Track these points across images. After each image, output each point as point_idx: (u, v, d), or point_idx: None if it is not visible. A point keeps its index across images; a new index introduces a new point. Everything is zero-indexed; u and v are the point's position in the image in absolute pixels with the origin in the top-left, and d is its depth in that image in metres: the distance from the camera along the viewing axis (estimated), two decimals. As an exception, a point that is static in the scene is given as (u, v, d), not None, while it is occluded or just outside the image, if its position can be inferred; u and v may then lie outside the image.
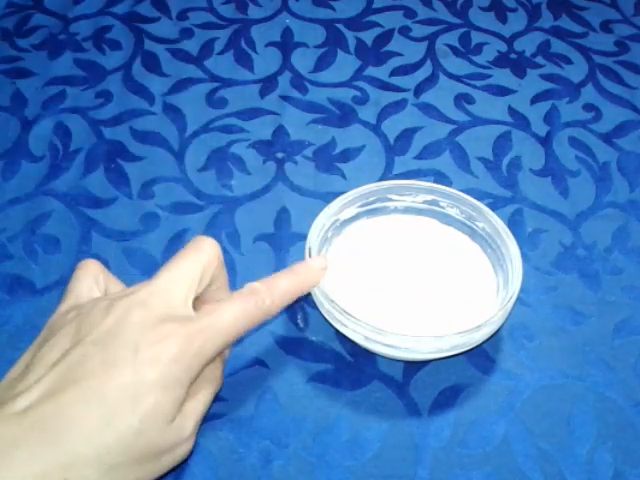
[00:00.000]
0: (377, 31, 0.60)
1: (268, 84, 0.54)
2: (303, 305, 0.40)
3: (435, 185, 0.41)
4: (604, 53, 0.59)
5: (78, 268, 0.32)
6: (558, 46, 0.59)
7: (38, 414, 0.24)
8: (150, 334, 0.26)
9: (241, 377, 0.37)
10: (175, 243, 0.43)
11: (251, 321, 0.30)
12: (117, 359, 0.26)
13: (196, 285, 0.30)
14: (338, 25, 0.60)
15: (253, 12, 0.61)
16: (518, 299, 0.36)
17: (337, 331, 0.37)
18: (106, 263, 0.41)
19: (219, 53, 0.57)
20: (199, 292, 0.31)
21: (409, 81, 0.55)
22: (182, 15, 0.60)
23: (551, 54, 0.58)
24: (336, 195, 0.40)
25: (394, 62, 0.57)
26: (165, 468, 0.28)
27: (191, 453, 0.29)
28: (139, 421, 0.25)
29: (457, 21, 0.61)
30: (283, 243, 0.43)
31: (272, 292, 0.31)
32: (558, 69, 0.57)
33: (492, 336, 0.36)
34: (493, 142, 0.50)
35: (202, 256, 0.30)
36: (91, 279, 0.31)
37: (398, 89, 0.54)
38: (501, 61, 0.58)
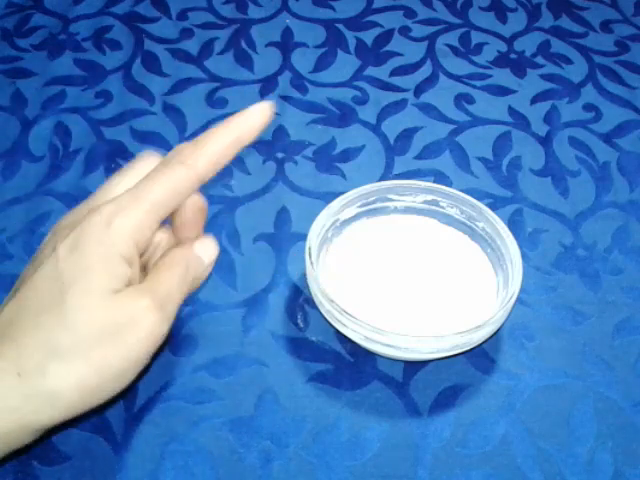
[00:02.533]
0: (377, 31, 0.60)
1: (268, 84, 0.54)
2: (303, 305, 0.40)
3: (435, 185, 0.41)
4: (604, 53, 0.59)
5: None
6: (558, 46, 0.59)
7: (3, 318, 0.26)
8: (68, 227, 0.28)
9: (241, 377, 0.37)
10: (175, 243, 0.43)
11: (179, 189, 0.28)
12: (42, 260, 0.27)
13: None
14: (338, 25, 0.60)
15: (253, 12, 0.61)
16: (518, 299, 0.36)
17: (337, 331, 0.37)
18: (106, 263, 0.41)
19: (219, 53, 0.57)
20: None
21: (409, 81, 0.55)
22: (182, 15, 0.60)
23: (551, 54, 0.58)
24: (336, 195, 0.40)
25: (394, 62, 0.57)
26: (135, 348, 0.26)
27: (169, 338, 0.28)
28: (70, 298, 0.25)
29: (457, 21, 0.61)
30: (283, 243, 0.43)
31: (199, 147, 0.29)
32: (558, 69, 0.57)
33: (492, 336, 0.36)
34: (493, 142, 0.50)
35: (143, 167, 0.30)
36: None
37: (398, 89, 0.54)
38: (501, 61, 0.58)
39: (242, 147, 0.30)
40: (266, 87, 0.54)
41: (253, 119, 0.30)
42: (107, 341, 0.26)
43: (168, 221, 0.31)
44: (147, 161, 0.31)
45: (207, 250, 0.31)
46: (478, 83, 0.55)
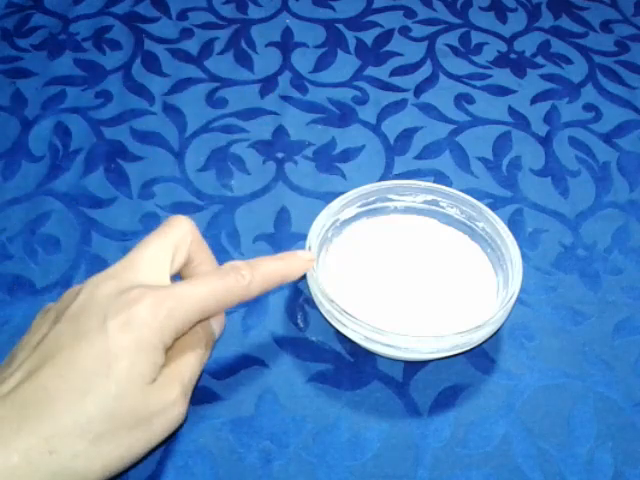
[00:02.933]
0: (377, 31, 0.60)
1: (268, 84, 0.54)
2: (303, 305, 0.40)
3: (435, 185, 0.41)
4: (604, 53, 0.59)
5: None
6: (558, 46, 0.59)
7: (19, 394, 0.25)
8: (119, 301, 0.27)
9: (241, 377, 0.37)
10: (175, 243, 0.43)
11: (228, 295, 0.29)
12: (87, 329, 0.26)
13: (168, 259, 0.30)
14: (338, 25, 0.60)
15: (253, 12, 0.61)
16: (518, 299, 0.36)
17: (337, 331, 0.37)
18: (106, 263, 0.42)
19: (219, 53, 0.57)
20: (177, 269, 0.31)
21: (409, 81, 0.55)
22: (182, 15, 0.60)
23: (551, 54, 0.58)
24: (336, 195, 0.40)
25: (394, 62, 0.57)
26: (158, 435, 0.27)
27: (185, 420, 0.29)
28: (115, 385, 0.25)
29: (457, 21, 0.61)
30: (283, 243, 0.43)
31: (253, 271, 0.30)
32: (558, 69, 0.57)
33: (492, 336, 0.36)
34: (493, 142, 0.50)
35: (173, 232, 0.31)
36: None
37: (398, 89, 0.54)
38: (501, 61, 0.58)
39: (282, 283, 0.32)
40: (266, 87, 0.54)
41: (300, 263, 0.33)
42: (138, 429, 0.26)
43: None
44: (177, 227, 0.31)
45: (219, 325, 0.33)
46: (478, 83, 0.55)
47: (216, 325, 0.32)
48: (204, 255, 0.33)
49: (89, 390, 0.25)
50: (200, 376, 0.31)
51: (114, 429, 0.25)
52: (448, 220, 0.42)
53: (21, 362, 0.26)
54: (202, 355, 0.31)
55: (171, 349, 0.29)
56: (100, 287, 0.28)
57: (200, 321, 0.30)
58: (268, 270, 0.31)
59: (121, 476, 0.30)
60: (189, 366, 0.29)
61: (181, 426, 0.29)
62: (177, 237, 0.31)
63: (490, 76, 0.56)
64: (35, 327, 0.29)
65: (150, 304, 0.27)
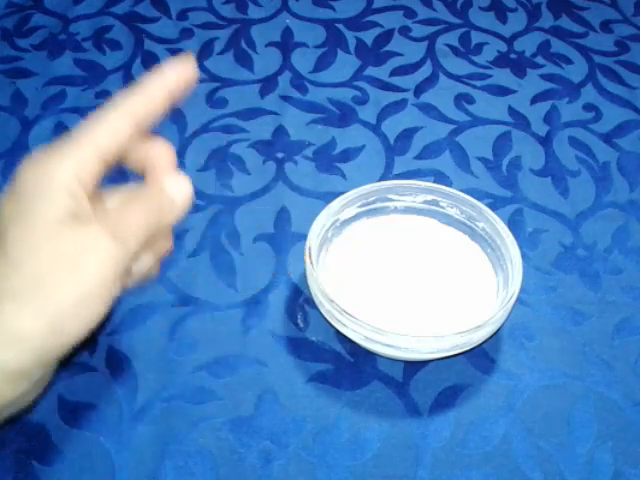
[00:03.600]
0: (377, 31, 0.60)
1: (268, 84, 0.54)
2: (303, 305, 0.40)
3: (435, 185, 0.41)
4: (604, 53, 0.59)
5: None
6: (558, 46, 0.59)
7: None
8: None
9: (241, 377, 0.37)
10: (175, 243, 0.43)
11: (118, 132, 0.28)
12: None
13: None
14: (338, 25, 0.60)
15: (253, 12, 0.61)
16: (518, 299, 0.36)
17: (337, 331, 0.37)
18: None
19: (219, 53, 0.57)
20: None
21: (409, 81, 0.55)
22: (182, 15, 0.60)
23: (551, 54, 0.58)
24: (336, 195, 0.40)
25: (394, 62, 0.57)
26: (90, 273, 0.25)
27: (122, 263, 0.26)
28: (12, 235, 0.25)
29: (457, 21, 0.61)
30: (283, 243, 0.43)
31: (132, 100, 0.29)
32: (558, 69, 0.57)
33: (492, 336, 0.36)
34: (493, 142, 0.50)
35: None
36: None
37: (398, 89, 0.54)
38: (501, 61, 0.58)
39: (173, 99, 0.31)
40: (266, 87, 0.54)
41: (175, 76, 0.31)
42: (59, 271, 0.24)
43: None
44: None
45: (179, 187, 0.30)
46: (478, 83, 0.55)
47: (173, 185, 0.30)
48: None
49: (7, 232, 0.25)
50: (150, 232, 0.28)
51: (28, 278, 0.24)
52: (448, 220, 0.42)
53: None
54: (142, 207, 0.28)
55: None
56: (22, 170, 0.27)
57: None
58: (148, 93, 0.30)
59: (84, 348, 0.30)
60: (121, 212, 0.27)
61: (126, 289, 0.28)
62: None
63: (490, 76, 0.56)
64: None
65: (34, 163, 0.26)
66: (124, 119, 0.29)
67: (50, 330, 0.24)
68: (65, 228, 0.25)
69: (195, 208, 0.45)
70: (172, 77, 0.31)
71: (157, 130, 0.51)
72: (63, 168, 0.26)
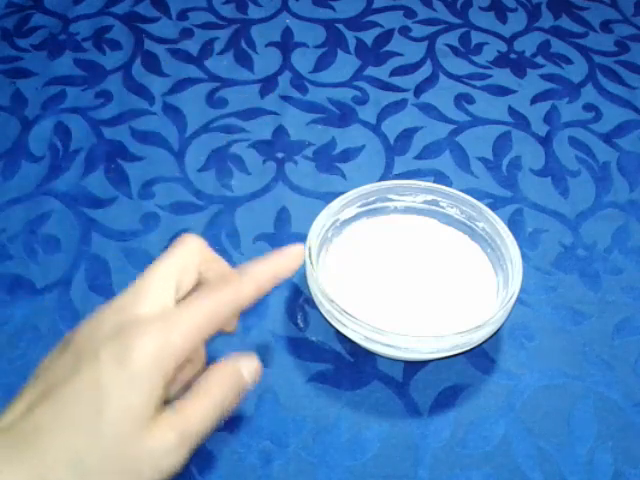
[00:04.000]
0: (377, 31, 0.60)
1: (268, 84, 0.54)
2: (303, 305, 0.40)
3: (435, 185, 0.41)
4: (604, 53, 0.59)
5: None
6: (558, 46, 0.59)
7: (17, 427, 0.25)
8: (114, 335, 0.26)
9: (241, 377, 0.37)
10: (175, 243, 0.43)
11: (222, 309, 0.29)
12: (83, 365, 0.26)
13: (173, 285, 0.29)
14: (338, 25, 0.60)
15: (253, 12, 0.61)
16: (518, 299, 0.36)
17: (337, 331, 0.37)
18: (106, 263, 0.42)
19: (219, 53, 0.57)
20: (186, 291, 0.30)
21: (409, 81, 0.55)
22: (182, 15, 0.60)
23: (551, 54, 0.58)
24: (336, 195, 0.40)
25: (394, 62, 0.57)
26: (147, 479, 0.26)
27: (182, 469, 0.27)
28: (105, 422, 0.25)
29: (457, 21, 0.61)
30: (283, 243, 0.43)
31: (244, 276, 0.30)
32: (558, 69, 0.57)
33: (492, 336, 0.36)
34: (493, 142, 0.50)
35: (179, 254, 0.30)
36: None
37: (398, 89, 0.54)
38: (501, 61, 0.58)
39: (276, 283, 0.31)
40: (266, 87, 0.54)
41: (291, 258, 0.31)
42: (127, 470, 0.25)
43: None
44: (183, 248, 0.30)
45: (251, 370, 0.30)
46: (478, 83, 0.55)
47: (247, 370, 0.29)
48: (219, 272, 0.32)
49: (80, 427, 0.25)
50: (215, 427, 0.27)
51: (103, 467, 0.25)
52: (448, 220, 0.42)
53: (25, 394, 0.26)
54: (219, 402, 0.28)
55: (190, 392, 0.28)
56: (100, 321, 0.27)
57: (202, 343, 0.28)
58: (258, 272, 0.30)
59: None
60: (198, 412, 0.27)
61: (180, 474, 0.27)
62: (183, 260, 0.30)
63: (490, 76, 0.56)
64: (46, 357, 0.28)
65: (143, 335, 0.26)
66: (234, 294, 0.29)
67: None
68: (151, 428, 0.25)
69: (195, 208, 0.45)
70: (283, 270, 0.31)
71: (157, 130, 0.52)
72: (170, 352, 0.26)
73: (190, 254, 0.30)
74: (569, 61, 0.58)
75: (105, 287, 0.40)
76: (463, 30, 0.60)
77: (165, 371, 0.26)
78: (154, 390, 0.26)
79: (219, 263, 0.31)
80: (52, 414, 0.25)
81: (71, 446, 0.25)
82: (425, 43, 0.59)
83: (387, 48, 0.58)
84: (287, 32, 0.59)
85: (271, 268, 0.31)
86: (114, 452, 0.25)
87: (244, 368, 0.29)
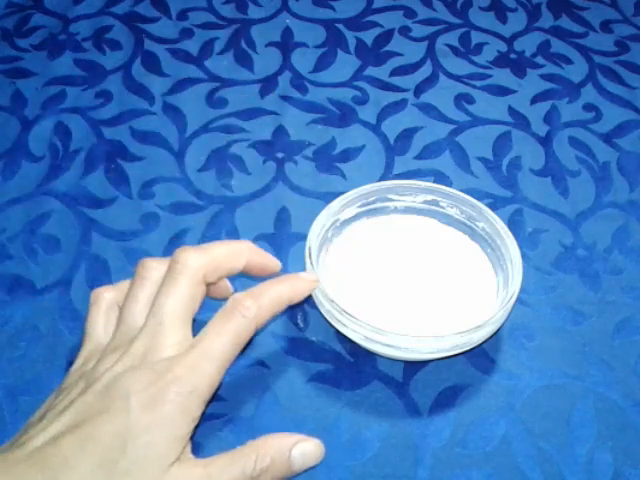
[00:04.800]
0: (377, 31, 0.60)
1: (268, 84, 0.54)
2: (303, 305, 0.40)
3: (435, 185, 0.41)
4: (604, 53, 0.59)
5: (91, 304, 0.33)
6: (558, 46, 0.59)
7: (42, 456, 0.25)
8: (142, 380, 0.27)
9: (241, 377, 0.37)
10: (175, 243, 0.43)
11: (241, 337, 0.29)
12: (111, 406, 0.27)
13: (190, 312, 0.30)
14: (338, 25, 0.60)
15: (253, 12, 0.61)
16: (518, 299, 0.36)
17: (337, 331, 0.37)
18: (106, 263, 0.42)
19: (219, 53, 0.57)
20: (197, 308, 0.31)
21: (409, 81, 0.55)
22: (182, 15, 0.60)
23: (551, 54, 0.58)
24: (336, 195, 0.40)
25: (394, 62, 0.57)
26: None
27: None
28: (130, 462, 0.25)
29: (457, 21, 0.61)
30: (283, 243, 0.43)
31: (258, 301, 0.30)
32: (558, 69, 0.57)
33: (492, 336, 0.36)
34: (493, 142, 0.50)
35: (186, 277, 0.30)
36: (103, 317, 0.32)
37: (398, 89, 0.54)
38: (501, 61, 0.58)
39: (288, 305, 0.32)
40: (266, 87, 0.54)
41: (304, 284, 0.33)
42: None
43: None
44: (187, 270, 0.31)
45: (302, 461, 0.29)
46: (478, 83, 0.55)
47: (298, 452, 0.29)
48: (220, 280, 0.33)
49: (104, 464, 0.25)
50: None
51: None
52: (448, 220, 0.42)
53: (47, 424, 0.27)
54: (247, 470, 0.28)
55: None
56: (126, 362, 0.28)
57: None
58: (272, 296, 0.31)
59: None
60: (224, 463, 0.28)
61: None
62: (191, 282, 0.30)
63: (490, 76, 0.56)
64: (64, 391, 0.29)
65: (172, 382, 0.27)
66: (250, 326, 0.30)
67: None
68: (173, 472, 0.26)
69: (195, 208, 0.45)
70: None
71: (157, 130, 0.52)
72: (199, 394, 0.27)
73: (195, 274, 0.30)
74: (569, 61, 0.58)
75: (105, 287, 0.40)
76: (463, 30, 0.60)
77: (192, 416, 0.27)
78: (180, 430, 0.27)
79: (222, 270, 0.32)
80: (79, 449, 0.25)
81: None
82: (425, 43, 0.59)
83: (387, 48, 0.58)
84: (287, 32, 0.59)
85: (286, 293, 0.32)
86: None
87: (296, 450, 0.29)
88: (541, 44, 0.59)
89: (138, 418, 0.26)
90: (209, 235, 0.43)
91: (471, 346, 0.35)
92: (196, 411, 0.27)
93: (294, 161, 0.48)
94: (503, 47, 0.59)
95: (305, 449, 0.29)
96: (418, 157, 0.49)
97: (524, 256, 0.39)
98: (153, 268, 0.31)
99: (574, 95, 0.55)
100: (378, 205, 0.42)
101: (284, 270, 0.41)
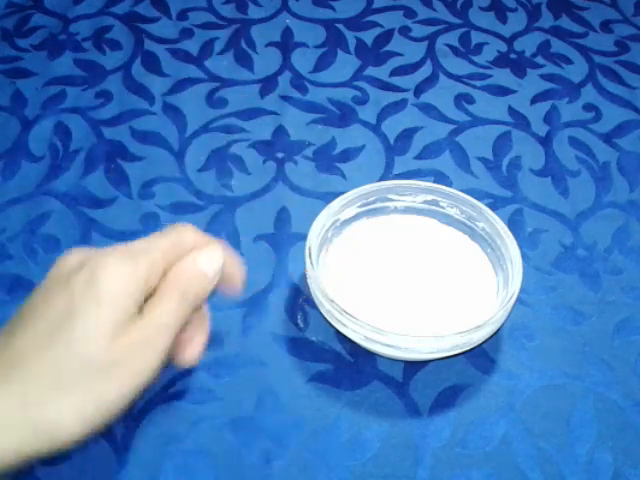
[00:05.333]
0: (377, 31, 0.60)
1: (268, 84, 0.54)
2: (303, 305, 0.40)
3: (435, 185, 0.41)
4: (604, 53, 0.59)
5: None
6: (558, 46, 0.59)
7: (16, 347, 0.26)
8: (84, 266, 0.28)
9: (241, 377, 0.37)
10: (175, 243, 0.43)
11: (184, 246, 0.31)
12: (54, 294, 0.27)
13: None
14: (338, 25, 0.60)
15: (253, 12, 0.61)
16: (518, 299, 0.36)
17: (337, 331, 0.37)
18: (106, 263, 0.41)
19: (219, 53, 0.57)
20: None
21: (409, 81, 0.55)
22: (182, 15, 0.60)
23: (551, 54, 0.58)
24: (336, 195, 0.40)
25: (394, 62, 0.57)
26: (131, 385, 0.26)
27: (161, 369, 0.27)
28: (79, 329, 0.26)
29: (457, 21, 0.61)
30: (283, 243, 0.43)
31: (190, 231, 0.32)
32: (558, 69, 0.57)
33: (492, 336, 0.36)
34: (493, 142, 0.50)
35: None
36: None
37: (398, 89, 0.54)
38: (501, 61, 0.58)
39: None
40: (266, 87, 0.54)
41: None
42: (106, 374, 0.26)
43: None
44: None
45: (210, 262, 0.31)
46: (478, 83, 0.55)
47: (205, 262, 0.31)
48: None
49: (53, 339, 0.26)
50: (188, 317, 0.29)
51: (82, 376, 0.25)
52: (448, 220, 0.42)
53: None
54: (179, 299, 0.29)
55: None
56: (67, 259, 0.30)
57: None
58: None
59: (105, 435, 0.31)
60: (162, 310, 0.28)
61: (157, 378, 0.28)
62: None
63: (490, 76, 0.56)
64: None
65: (111, 259, 0.28)
66: (189, 233, 0.32)
67: (86, 424, 0.25)
68: (122, 331, 0.27)
69: (195, 208, 0.45)
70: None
71: (157, 130, 0.52)
72: (136, 270, 0.28)
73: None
74: (569, 61, 0.58)
75: (105, 287, 0.40)
76: (463, 30, 0.60)
77: (133, 288, 0.27)
78: (123, 304, 0.27)
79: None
80: (32, 338, 0.26)
81: (47, 359, 0.26)
82: (425, 43, 0.59)
83: (387, 48, 0.58)
84: (287, 32, 0.59)
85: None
86: (89, 358, 0.26)
87: (202, 258, 0.31)
88: (541, 44, 0.59)
89: (80, 295, 0.27)
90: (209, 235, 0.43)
91: (471, 346, 0.35)
92: (135, 287, 0.27)
93: (294, 161, 0.48)
94: (503, 47, 0.59)
95: (204, 255, 0.31)
96: (418, 157, 0.49)
97: (524, 256, 0.39)
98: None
99: (574, 95, 0.55)
100: (378, 205, 0.42)
101: (284, 270, 0.42)
